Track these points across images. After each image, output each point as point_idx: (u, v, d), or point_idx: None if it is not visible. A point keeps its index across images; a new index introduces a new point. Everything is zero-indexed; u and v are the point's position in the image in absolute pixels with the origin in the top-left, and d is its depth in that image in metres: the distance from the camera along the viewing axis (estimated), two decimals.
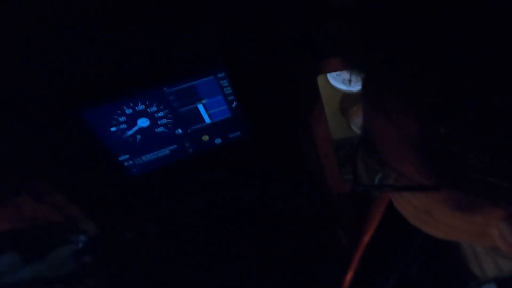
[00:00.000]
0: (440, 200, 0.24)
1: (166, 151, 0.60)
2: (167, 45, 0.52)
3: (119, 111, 0.53)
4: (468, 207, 0.23)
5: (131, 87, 0.53)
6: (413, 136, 0.21)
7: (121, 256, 0.72)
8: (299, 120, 0.63)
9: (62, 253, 0.69)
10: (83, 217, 0.66)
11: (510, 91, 0.17)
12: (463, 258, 0.41)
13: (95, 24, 0.46)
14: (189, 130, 0.59)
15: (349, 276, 0.48)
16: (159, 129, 0.57)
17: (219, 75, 0.56)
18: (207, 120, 0.59)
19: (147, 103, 0.54)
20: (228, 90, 0.58)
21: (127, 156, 0.58)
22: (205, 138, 0.61)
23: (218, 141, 0.62)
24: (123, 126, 0.55)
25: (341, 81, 0.67)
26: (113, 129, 0.54)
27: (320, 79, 0.57)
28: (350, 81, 0.66)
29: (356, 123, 0.69)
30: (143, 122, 0.56)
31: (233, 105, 0.59)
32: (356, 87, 0.66)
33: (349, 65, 0.26)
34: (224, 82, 0.57)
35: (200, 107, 0.58)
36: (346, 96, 0.70)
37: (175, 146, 0.60)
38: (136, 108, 0.54)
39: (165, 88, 0.54)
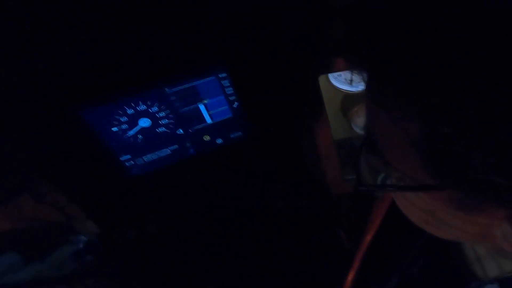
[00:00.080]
0: (443, 200, 0.24)
1: (167, 151, 0.60)
2: (168, 45, 0.52)
3: (120, 111, 0.53)
4: (471, 207, 0.23)
5: (132, 87, 0.53)
6: (416, 136, 0.21)
7: (121, 256, 0.72)
8: (301, 120, 0.63)
9: (63, 253, 0.69)
10: (83, 217, 0.66)
11: (510, 91, 0.17)
12: (465, 258, 0.41)
13: (96, 24, 0.46)
14: (190, 130, 0.59)
15: (350, 276, 0.48)
16: (160, 129, 0.57)
17: (221, 75, 0.56)
18: (208, 120, 0.59)
19: (148, 103, 0.54)
20: (230, 90, 0.58)
21: (129, 156, 0.58)
22: (206, 138, 0.61)
23: (219, 141, 0.62)
24: (125, 126, 0.55)
25: (342, 81, 0.67)
26: (114, 129, 0.54)
27: (321, 79, 0.58)
28: (351, 81, 0.66)
29: (357, 123, 0.69)
30: (144, 122, 0.56)
31: (234, 105, 0.59)
32: (357, 87, 0.66)
33: (351, 64, 0.26)
34: (226, 82, 0.57)
35: (202, 107, 0.58)
36: (347, 96, 0.71)
37: (176, 146, 0.60)
38: (138, 108, 0.54)
39: (166, 88, 0.54)
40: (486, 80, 0.17)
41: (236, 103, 0.59)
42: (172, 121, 0.57)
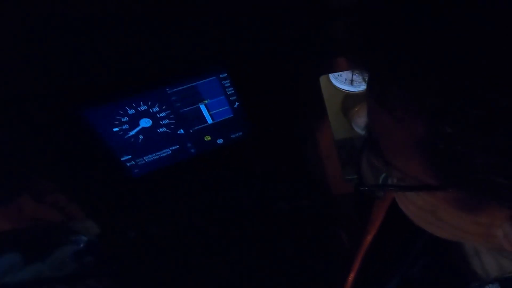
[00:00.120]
0: (445, 200, 0.24)
1: (168, 151, 0.60)
2: (169, 45, 0.52)
3: (121, 112, 0.53)
4: (472, 207, 0.23)
5: (133, 87, 0.53)
6: (418, 135, 0.21)
7: (122, 256, 0.72)
8: (301, 120, 0.63)
9: (63, 253, 0.69)
10: (84, 217, 0.66)
11: (510, 91, 0.17)
12: (466, 258, 0.41)
13: (97, 24, 0.46)
14: (191, 131, 0.59)
15: (351, 276, 0.48)
16: (161, 130, 0.57)
17: (221, 76, 0.56)
18: (209, 120, 0.59)
19: (149, 103, 0.54)
20: (230, 91, 0.58)
21: (129, 156, 0.58)
22: (207, 138, 0.61)
23: (220, 141, 0.62)
24: (125, 126, 0.55)
25: (343, 81, 0.67)
26: (115, 129, 0.54)
27: (322, 79, 0.58)
28: (352, 81, 0.66)
29: (358, 124, 0.69)
30: (145, 123, 0.56)
31: (235, 106, 0.59)
32: (358, 87, 0.66)
33: (352, 64, 0.26)
34: (226, 83, 0.57)
35: (202, 108, 0.58)
36: (348, 97, 0.71)
37: (177, 146, 0.60)
38: (139, 108, 0.54)
39: (167, 89, 0.54)
40: (486, 80, 0.17)
41: (236, 103, 0.59)
42: (173, 121, 0.57)
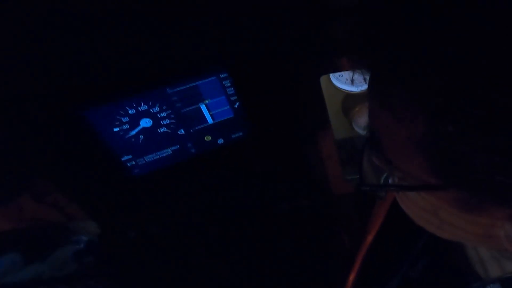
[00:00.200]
0: (446, 200, 0.24)
1: (168, 151, 0.60)
2: (169, 45, 0.52)
3: (122, 112, 0.53)
4: (474, 207, 0.23)
5: (134, 87, 0.53)
6: (419, 135, 0.21)
7: (122, 256, 0.72)
8: (302, 120, 0.63)
9: (63, 253, 0.69)
10: (84, 217, 0.66)
11: (510, 91, 0.17)
12: (467, 259, 0.41)
13: (97, 24, 0.46)
14: (191, 131, 0.59)
15: (352, 277, 0.48)
16: (161, 130, 0.57)
17: (222, 76, 0.56)
18: (209, 120, 0.59)
19: (150, 103, 0.54)
20: (231, 91, 0.58)
21: (130, 156, 0.58)
22: (208, 138, 0.61)
23: (220, 141, 0.62)
24: (126, 126, 0.55)
25: (344, 81, 0.67)
26: (115, 129, 0.54)
27: (322, 79, 0.58)
28: (352, 81, 0.66)
29: (358, 123, 0.69)
30: (145, 123, 0.56)
31: (236, 106, 0.59)
32: (358, 87, 0.66)
33: (353, 64, 0.26)
34: (227, 83, 0.57)
35: (203, 108, 0.58)
36: (349, 96, 0.71)
37: (177, 146, 0.60)
38: (139, 108, 0.54)
39: (168, 89, 0.54)
40: (486, 80, 0.17)
41: (237, 103, 0.59)
42: (173, 121, 0.57)
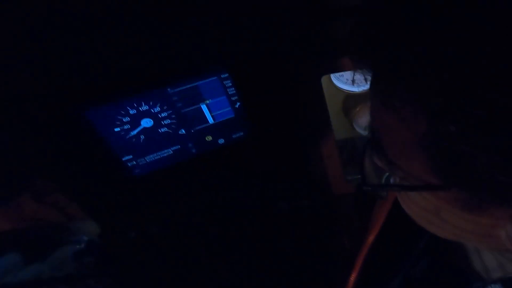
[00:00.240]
0: (447, 200, 0.24)
1: (169, 151, 0.60)
2: (170, 46, 0.52)
3: (122, 111, 0.53)
4: (475, 207, 0.23)
5: (134, 87, 0.53)
6: (422, 134, 0.21)
7: (122, 256, 0.72)
8: (303, 120, 0.63)
9: (63, 253, 0.68)
10: (85, 217, 0.66)
11: (510, 91, 0.17)
12: (468, 259, 0.41)
13: (97, 23, 0.46)
14: (192, 131, 0.59)
15: (352, 277, 0.48)
16: (162, 130, 0.57)
17: (223, 76, 0.56)
18: (210, 120, 0.59)
19: (150, 103, 0.54)
20: (232, 91, 0.58)
21: (131, 156, 0.58)
22: (208, 138, 0.61)
23: (221, 141, 0.62)
24: (127, 126, 0.55)
25: (344, 82, 0.67)
26: (116, 129, 0.54)
27: (323, 79, 0.58)
28: (353, 81, 0.66)
29: (359, 124, 0.69)
30: (146, 123, 0.56)
31: (236, 106, 0.59)
32: (359, 87, 0.66)
33: (355, 64, 0.26)
34: (228, 83, 0.57)
35: (204, 108, 0.58)
36: (349, 97, 0.71)
37: (178, 146, 0.60)
38: (140, 108, 0.54)
39: (168, 89, 0.54)
40: (486, 80, 0.17)
41: (238, 103, 0.59)
42: (174, 121, 0.57)
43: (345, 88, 0.68)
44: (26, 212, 0.61)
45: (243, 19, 0.51)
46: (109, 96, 0.52)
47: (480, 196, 0.22)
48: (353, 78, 0.65)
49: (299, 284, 0.71)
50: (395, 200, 0.32)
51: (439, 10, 0.19)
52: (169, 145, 0.59)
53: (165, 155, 0.60)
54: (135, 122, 0.55)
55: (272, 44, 0.54)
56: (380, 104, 0.24)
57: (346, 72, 0.65)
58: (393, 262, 0.45)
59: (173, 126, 0.58)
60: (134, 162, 0.59)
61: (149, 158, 0.59)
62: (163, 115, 0.56)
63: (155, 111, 0.55)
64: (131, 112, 0.54)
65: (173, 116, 0.57)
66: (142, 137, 0.57)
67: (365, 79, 0.26)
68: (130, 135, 0.56)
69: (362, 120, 0.67)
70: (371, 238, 0.47)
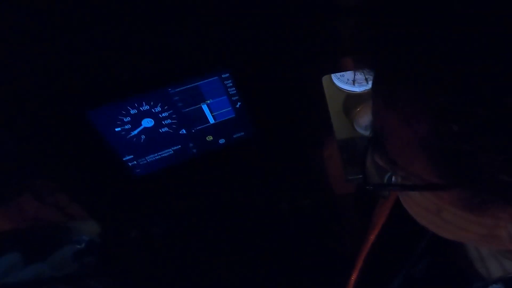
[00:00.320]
0: (449, 200, 0.24)
1: (170, 151, 0.60)
2: (171, 45, 0.52)
3: (123, 111, 0.53)
4: (477, 207, 0.23)
5: (135, 87, 0.53)
6: (424, 134, 0.21)
7: (123, 256, 0.72)
8: (303, 120, 0.63)
9: (64, 253, 0.69)
10: (85, 217, 0.66)
11: None
12: (469, 259, 0.41)
13: (98, 23, 0.46)
14: (193, 131, 0.59)
15: (354, 276, 0.48)
16: (163, 130, 0.57)
17: (223, 76, 0.56)
18: (211, 120, 0.59)
19: (151, 103, 0.54)
20: (232, 91, 0.58)
21: (131, 156, 0.58)
22: (209, 138, 0.61)
23: (222, 141, 0.62)
24: (128, 126, 0.55)
25: (345, 82, 0.67)
26: (117, 129, 0.54)
27: (324, 79, 0.58)
28: (354, 81, 0.66)
29: (360, 124, 0.69)
30: (147, 123, 0.56)
31: (237, 106, 0.59)
32: (360, 87, 0.66)
33: (357, 64, 0.26)
34: (229, 83, 0.57)
35: (205, 108, 0.58)
36: (350, 97, 0.70)
37: (179, 146, 0.60)
38: (141, 108, 0.54)
39: (169, 89, 0.54)
40: (491, 79, 0.17)
41: (239, 103, 0.59)
42: (175, 121, 0.57)
43: (346, 88, 0.68)
44: (27, 212, 0.61)
45: (243, 19, 0.51)
46: (110, 96, 0.52)
47: (482, 196, 0.22)
48: (354, 78, 0.65)
49: (299, 284, 0.71)
50: (396, 200, 0.32)
51: (443, 9, 0.18)
52: (170, 145, 0.59)
53: (165, 155, 0.60)
54: (136, 122, 0.55)
55: (272, 44, 0.54)
56: (382, 104, 0.24)
57: (347, 72, 0.65)
58: (394, 262, 0.45)
59: (173, 126, 0.58)
60: (135, 162, 0.59)
61: (150, 158, 0.59)
62: (163, 115, 0.56)
63: (156, 111, 0.55)
64: (132, 112, 0.54)
65: (174, 116, 0.57)
66: (143, 137, 0.57)
67: (366, 79, 0.26)
68: (131, 135, 0.56)
69: (363, 120, 0.67)
70: (372, 238, 0.47)
